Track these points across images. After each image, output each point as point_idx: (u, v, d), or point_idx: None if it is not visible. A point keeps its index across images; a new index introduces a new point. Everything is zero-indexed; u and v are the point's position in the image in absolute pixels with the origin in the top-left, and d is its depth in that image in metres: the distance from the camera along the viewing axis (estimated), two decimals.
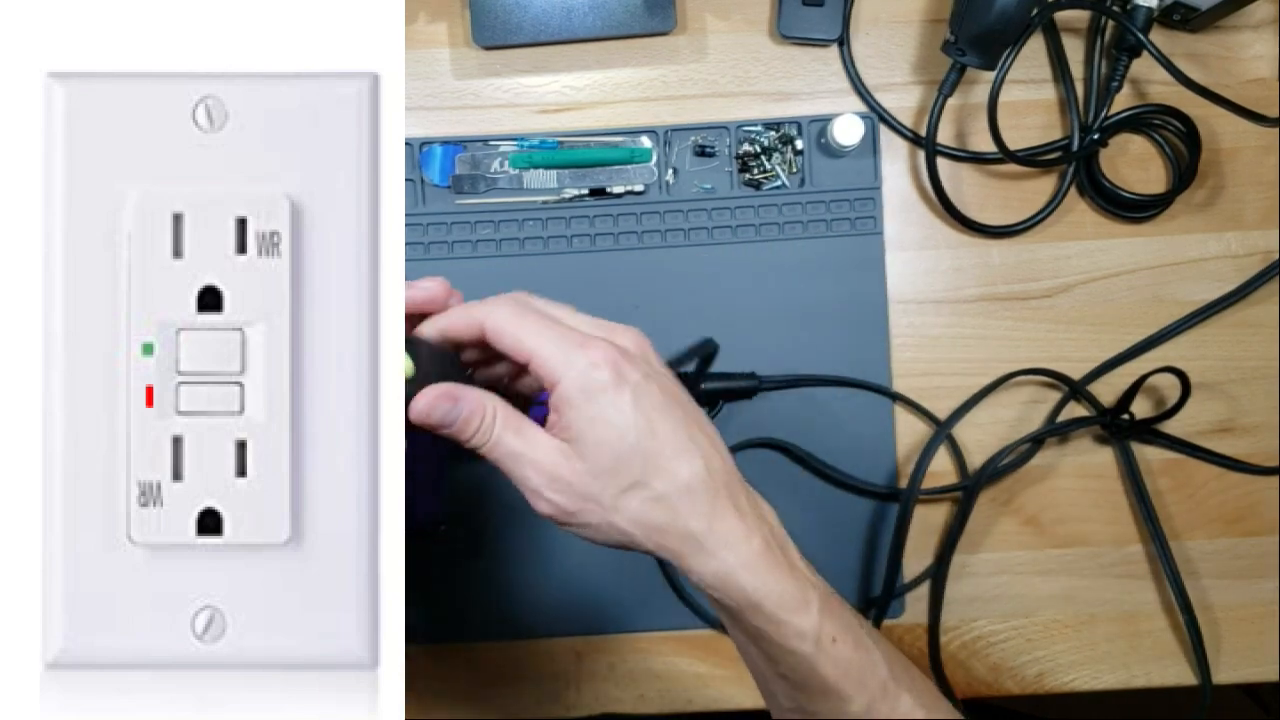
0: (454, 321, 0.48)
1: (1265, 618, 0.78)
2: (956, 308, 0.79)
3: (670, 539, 0.47)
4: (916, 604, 0.78)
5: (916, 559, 0.78)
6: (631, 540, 0.48)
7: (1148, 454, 0.79)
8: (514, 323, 0.47)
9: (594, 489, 0.46)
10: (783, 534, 0.49)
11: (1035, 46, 0.79)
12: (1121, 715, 0.80)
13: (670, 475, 0.46)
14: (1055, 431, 0.77)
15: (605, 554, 0.77)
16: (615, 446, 0.46)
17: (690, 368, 0.71)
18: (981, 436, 0.79)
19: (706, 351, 0.70)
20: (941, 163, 0.78)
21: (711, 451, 0.48)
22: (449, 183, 0.78)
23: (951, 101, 0.76)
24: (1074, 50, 0.79)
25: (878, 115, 0.79)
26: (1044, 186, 0.79)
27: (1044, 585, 0.78)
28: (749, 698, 0.78)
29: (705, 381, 0.75)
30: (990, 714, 1.02)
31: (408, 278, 0.76)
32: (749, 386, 0.76)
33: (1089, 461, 0.79)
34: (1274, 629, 0.78)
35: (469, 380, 0.49)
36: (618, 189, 0.78)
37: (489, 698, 0.78)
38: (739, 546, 0.47)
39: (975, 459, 0.78)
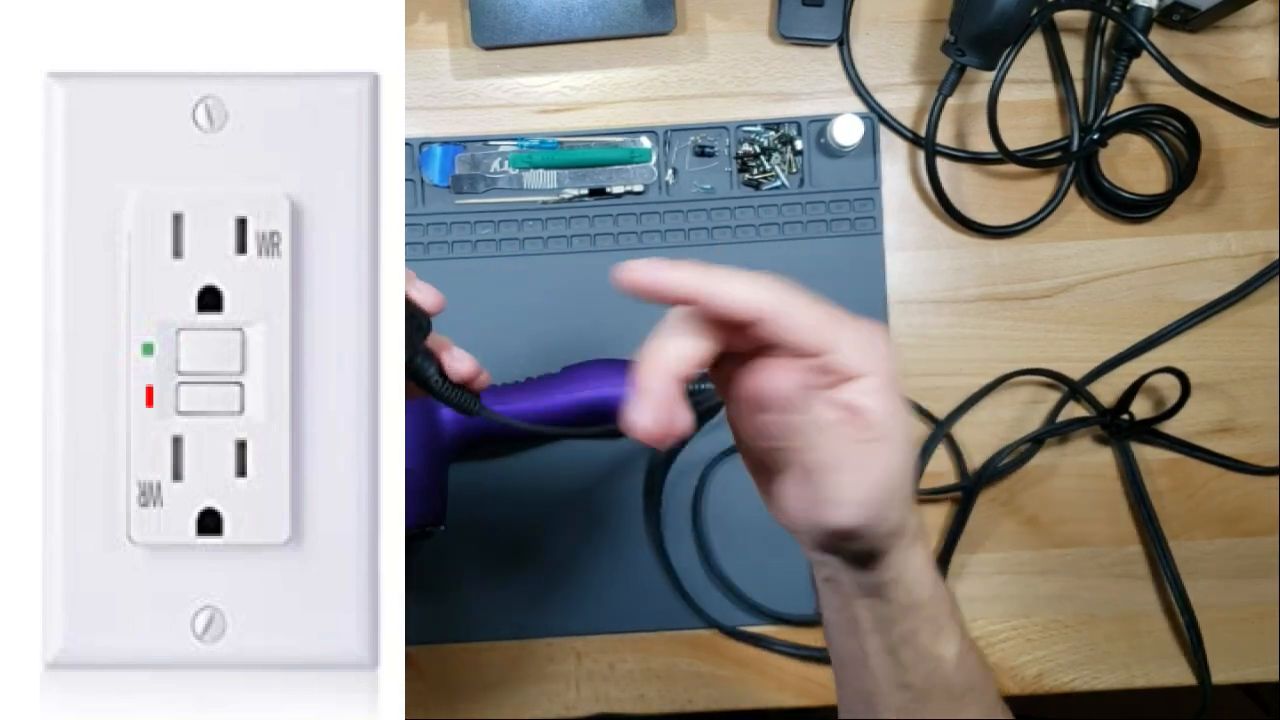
0: (678, 291, 0.44)
1: (1265, 618, 0.78)
2: (956, 308, 0.79)
3: (888, 519, 0.43)
4: None
5: None
6: (899, 532, 0.44)
7: (1147, 454, 0.79)
8: (765, 295, 0.42)
9: (899, 434, 0.41)
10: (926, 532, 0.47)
11: (1035, 47, 0.79)
12: (1121, 715, 0.80)
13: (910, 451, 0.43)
14: (1055, 432, 0.77)
15: (605, 553, 0.77)
16: (884, 420, 0.41)
17: None
18: (981, 436, 0.79)
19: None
20: (941, 163, 0.78)
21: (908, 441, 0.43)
22: (449, 183, 0.78)
23: (951, 102, 0.76)
24: (1074, 50, 0.79)
25: (877, 115, 0.79)
26: (1044, 187, 0.79)
27: (1043, 585, 0.78)
28: (749, 698, 0.78)
29: (704, 382, 0.74)
30: None
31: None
32: None
33: (1089, 462, 0.79)
34: (1273, 629, 0.78)
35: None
36: (617, 189, 0.78)
37: (489, 698, 0.78)
38: (918, 541, 0.44)
39: (975, 459, 0.78)
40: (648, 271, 0.45)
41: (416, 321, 0.49)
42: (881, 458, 0.41)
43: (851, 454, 0.41)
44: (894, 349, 0.41)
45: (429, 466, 0.71)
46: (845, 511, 0.41)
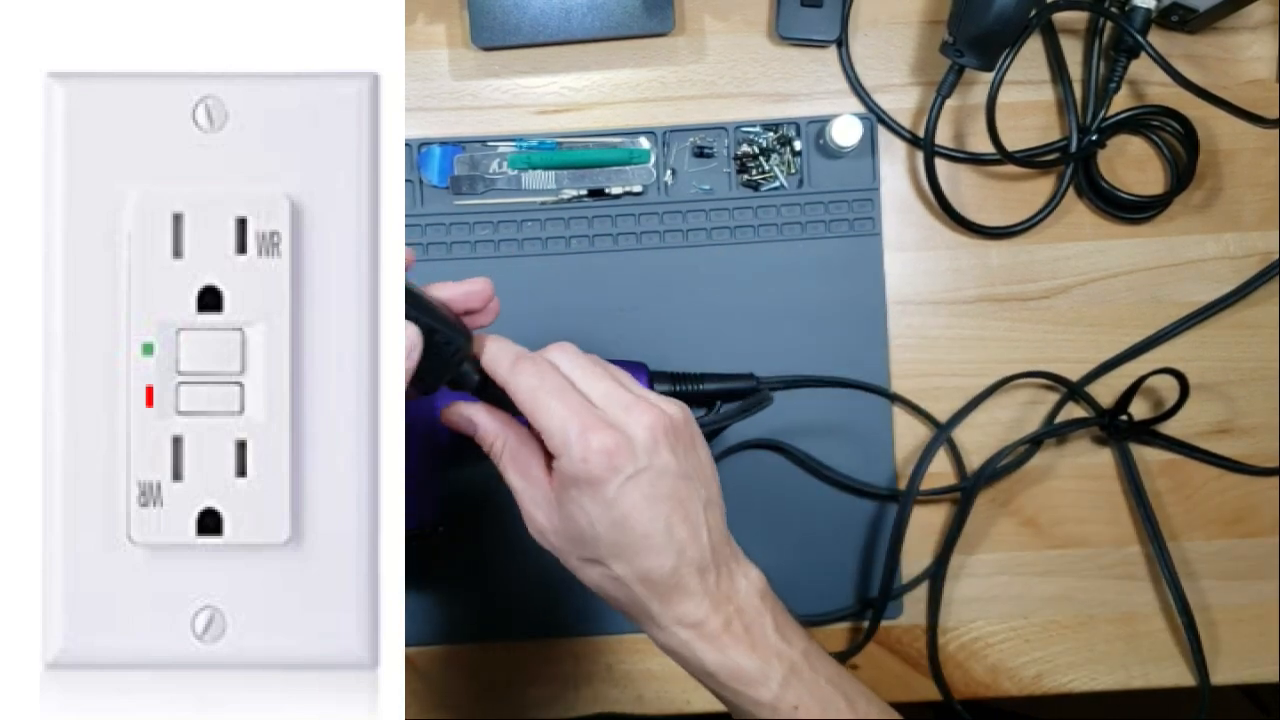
0: (487, 363, 0.52)
1: (1264, 618, 0.79)
2: (955, 309, 0.79)
3: (627, 609, 0.52)
4: (915, 605, 0.78)
5: (915, 560, 0.78)
6: (601, 594, 0.52)
7: (1146, 455, 0.79)
8: (532, 395, 0.49)
9: (563, 547, 0.52)
10: (756, 611, 0.52)
11: (1033, 48, 0.79)
12: (1120, 716, 0.80)
13: (631, 564, 0.50)
14: (1054, 433, 0.78)
15: None
16: (584, 529, 0.50)
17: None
18: (980, 438, 0.79)
19: (757, 405, 0.66)
20: (940, 164, 0.78)
21: (688, 544, 0.50)
22: (447, 184, 0.78)
23: (950, 102, 0.76)
24: (1072, 51, 0.79)
25: (876, 116, 0.79)
26: (1042, 188, 0.79)
27: (1042, 586, 0.78)
28: None
29: (702, 383, 0.75)
30: (990, 715, 1.02)
31: (406, 278, 0.76)
32: (747, 388, 0.75)
33: (1087, 463, 0.79)
34: (1273, 630, 0.78)
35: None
36: (616, 190, 0.78)
37: (488, 699, 0.78)
38: (696, 626, 0.51)
39: (974, 460, 0.79)
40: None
41: (450, 341, 0.50)
42: (554, 514, 0.51)
43: (534, 497, 0.52)
44: (611, 455, 0.48)
45: (427, 467, 0.71)
46: (528, 527, 0.53)
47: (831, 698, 0.52)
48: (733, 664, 0.51)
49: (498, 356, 0.51)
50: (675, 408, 0.51)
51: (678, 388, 0.74)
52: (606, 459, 0.48)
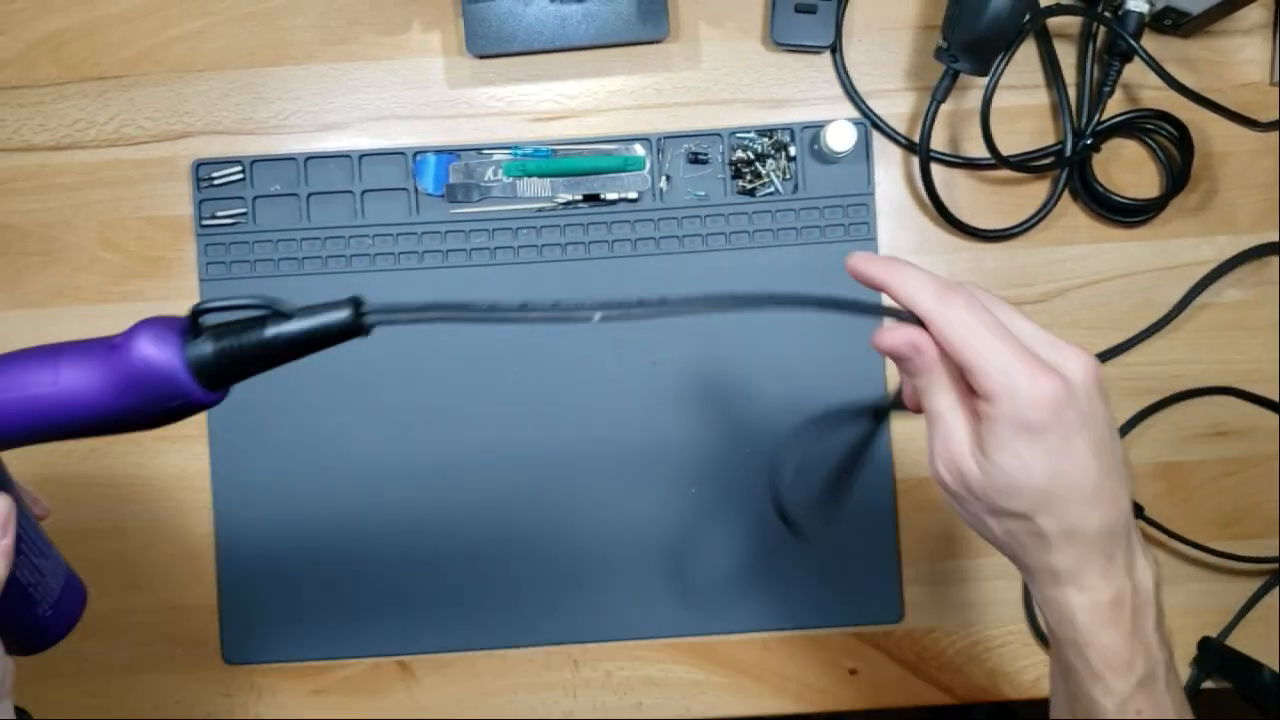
0: (900, 296, 0.48)
1: (1263, 620, 0.79)
2: None
3: (1028, 559, 0.48)
4: (915, 610, 0.78)
5: (915, 562, 0.78)
6: (992, 541, 0.49)
7: (1145, 455, 0.79)
8: (971, 331, 0.46)
9: (981, 493, 0.47)
10: (1147, 598, 0.49)
11: (1027, 52, 0.79)
12: None
13: (1058, 519, 0.46)
14: None
15: (603, 562, 0.77)
16: (1015, 478, 0.46)
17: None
18: None
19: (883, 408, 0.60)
20: (935, 168, 0.78)
21: (1112, 504, 0.47)
22: (443, 192, 0.78)
23: (944, 107, 0.76)
24: (1066, 56, 0.79)
25: (871, 121, 0.79)
26: (1037, 191, 0.80)
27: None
28: (746, 705, 0.78)
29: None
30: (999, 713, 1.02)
31: (401, 288, 0.77)
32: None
33: None
34: (1273, 631, 0.78)
35: None
36: (611, 197, 0.78)
37: (488, 706, 0.78)
38: (1090, 593, 0.47)
39: None
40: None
41: None
42: (978, 458, 0.47)
43: (959, 434, 0.48)
44: (1057, 403, 0.45)
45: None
46: (932, 463, 0.49)
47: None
48: (1106, 642, 0.47)
49: (919, 289, 0.47)
50: (1094, 358, 0.48)
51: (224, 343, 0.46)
52: (1053, 406, 0.45)
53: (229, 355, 0.43)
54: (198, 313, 0.43)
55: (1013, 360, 0.45)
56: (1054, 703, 0.53)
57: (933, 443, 0.48)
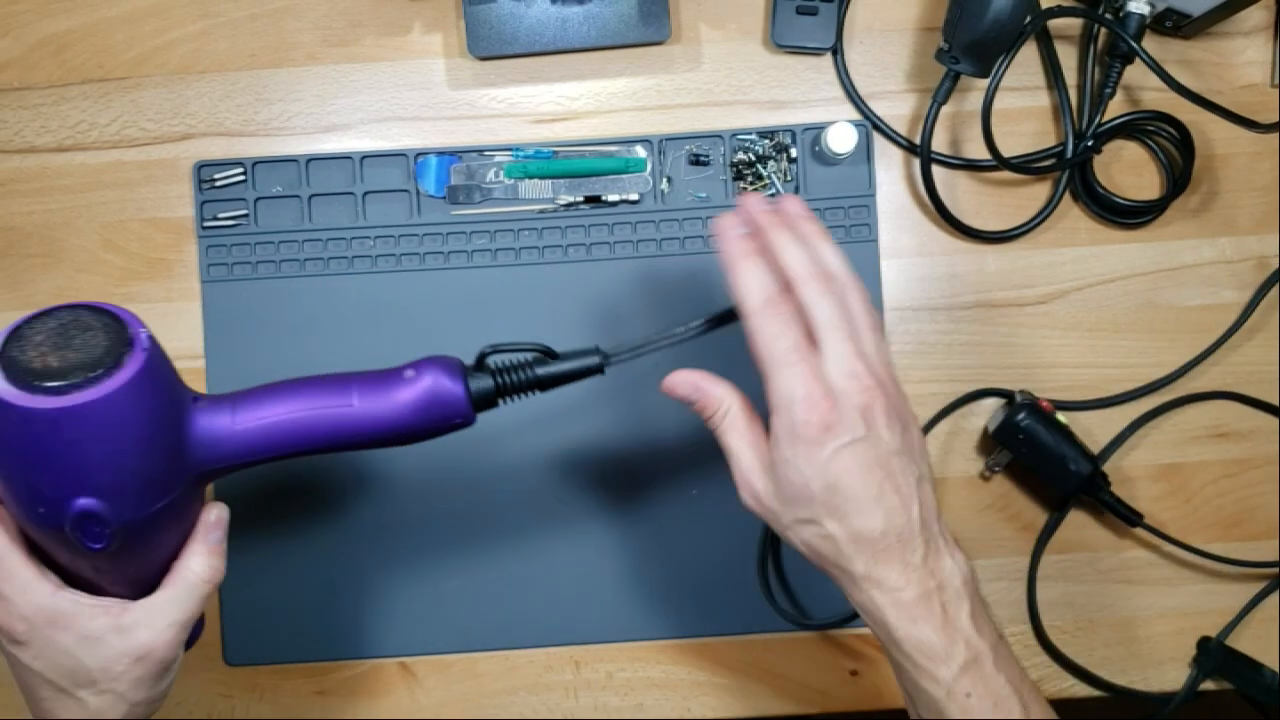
0: (738, 295, 0.54)
1: (1263, 621, 0.79)
2: (952, 314, 0.79)
3: (830, 567, 0.54)
4: None
5: None
6: (804, 553, 0.54)
7: (1146, 458, 0.79)
8: (769, 347, 0.52)
9: (775, 507, 0.54)
10: (956, 592, 0.53)
11: (1028, 54, 0.79)
12: (1121, 719, 0.80)
13: (843, 522, 0.52)
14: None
15: (604, 562, 0.77)
16: (797, 488, 0.52)
17: None
18: (976, 441, 0.79)
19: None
20: (936, 170, 0.78)
21: (898, 512, 0.52)
22: (444, 193, 0.78)
23: (945, 109, 0.76)
24: (1067, 57, 0.79)
25: (872, 123, 0.79)
26: (1038, 193, 0.80)
27: (1043, 591, 0.78)
28: (747, 706, 0.78)
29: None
30: None
31: (403, 289, 0.77)
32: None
33: None
34: (1272, 632, 0.78)
35: None
36: (613, 198, 0.78)
37: (490, 707, 0.78)
38: (892, 592, 0.52)
39: (972, 465, 0.79)
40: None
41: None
42: (768, 475, 0.54)
43: (751, 460, 0.55)
44: (829, 422, 0.51)
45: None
46: (738, 491, 0.55)
47: (1007, 698, 0.52)
48: (919, 636, 0.51)
49: (748, 289, 0.54)
50: (894, 386, 0.54)
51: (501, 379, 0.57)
52: (824, 423, 0.51)
53: (503, 389, 0.55)
54: (486, 354, 0.56)
55: (797, 379, 0.51)
56: (907, 705, 0.56)
57: (734, 475, 0.55)
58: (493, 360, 0.56)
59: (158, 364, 0.49)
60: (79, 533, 0.49)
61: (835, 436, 0.51)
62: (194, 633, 0.61)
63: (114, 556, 0.51)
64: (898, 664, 0.53)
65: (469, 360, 0.57)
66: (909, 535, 0.52)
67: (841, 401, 0.51)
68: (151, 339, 0.49)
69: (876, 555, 0.52)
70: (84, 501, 0.48)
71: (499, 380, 0.55)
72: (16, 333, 0.48)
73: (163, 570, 0.55)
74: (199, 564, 0.55)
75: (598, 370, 0.57)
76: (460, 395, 0.54)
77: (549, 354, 0.57)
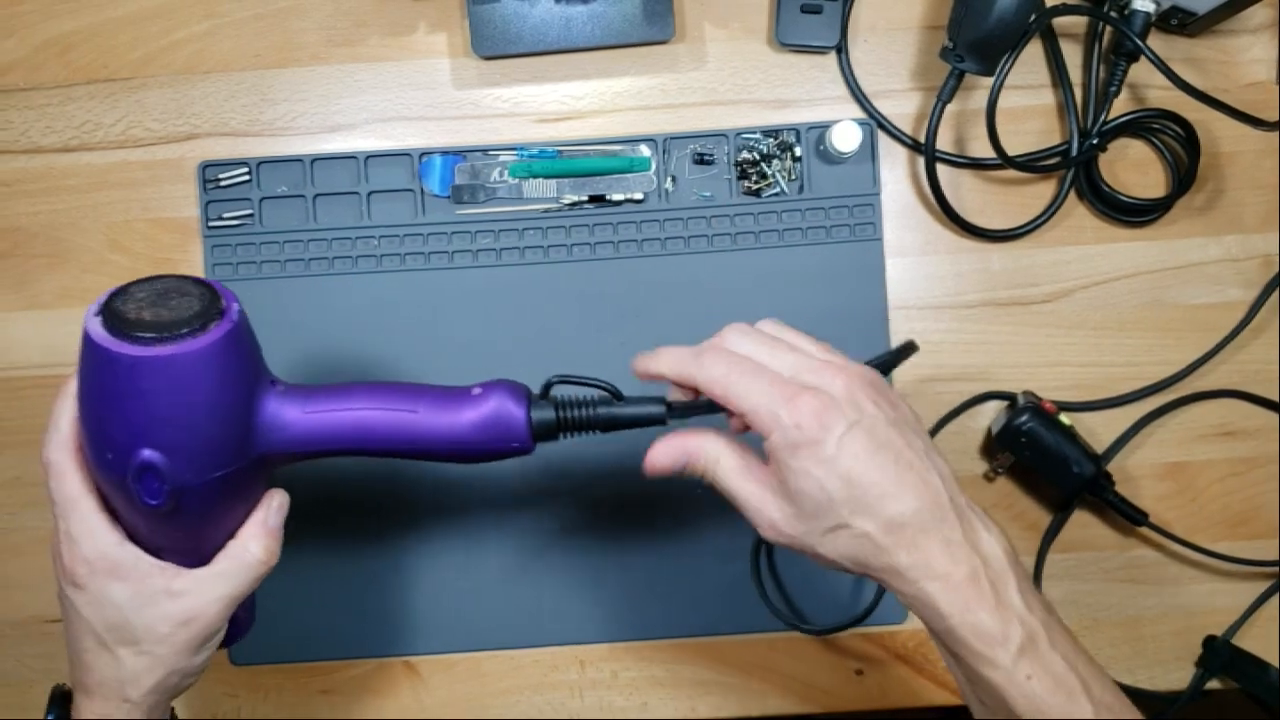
0: (668, 375, 0.54)
1: (1269, 621, 0.78)
2: (957, 313, 0.79)
3: (874, 569, 0.51)
4: None
5: None
6: (839, 567, 0.52)
7: (1150, 457, 0.79)
8: (724, 381, 0.51)
9: (799, 529, 0.51)
10: (1001, 568, 0.50)
11: (1033, 52, 0.79)
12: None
13: (873, 515, 0.50)
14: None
15: (606, 562, 0.77)
16: (816, 497, 0.50)
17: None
18: (979, 441, 0.79)
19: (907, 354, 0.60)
20: (941, 168, 0.78)
21: (922, 488, 0.50)
22: (449, 193, 0.78)
23: (950, 107, 0.76)
24: (1072, 55, 0.79)
25: (876, 122, 0.79)
26: (1043, 191, 0.79)
27: (1047, 590, 0.78)
28: (752, 705, 0.78)
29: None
30: None
31: (407, 289, 0.77)
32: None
33: None
34: (1275, 632, 0.78)
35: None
36: (617, 197, 0.78)
37: (495, 707, 0.78)
38: (942, 577, 0.49)
39: (976, 464, 0.79)
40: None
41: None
42: (782, 500, 0.51)
43: (757, 492, 0.52)
44: (820, 414, 0.49)
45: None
46: (758, 530, 0.53)
47: (1065, 676, 0.49)
48: (974, 620, 0.49)
49: (680, 362, 0.53)
50: (863, 367, 0.53)
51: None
52: (817, 419, 0.49)
53: (564, 423, 0.55)
54: (552, 382, 0.56)
55: (768, 391, 0.50)
56: (969, 704, 0.54)
57: (747, 516, 0.53)
58: (558, 392, 0.56)
59: (241, 337, 0.51)
60: (138, 484, 0.50)
61: (832, 427, 0.49)
62: (241, 626, 0.63)
63: (169, 518, 0.52)
64: (955, 655, 0.50)
65: (535, 385, 0.57)
66: (941, 510, 0.50)
67: (821, 390, 0.50)
68: (242, 314, 0.51)
69: (916, 541, 0.49)
70: (147, 453, 0.49)
71: (561, 414, 0.55)
72: (123, 289, 0.51)
73: (218, 546, 0.56)
74: (255, 544, 0.56)
75: (660, 421, 0.55)
76: (521, 421, 0.54)
77: (615, 395, 0.56)
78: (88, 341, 0.49)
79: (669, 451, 0.54)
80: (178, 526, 0.54)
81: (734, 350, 0.53)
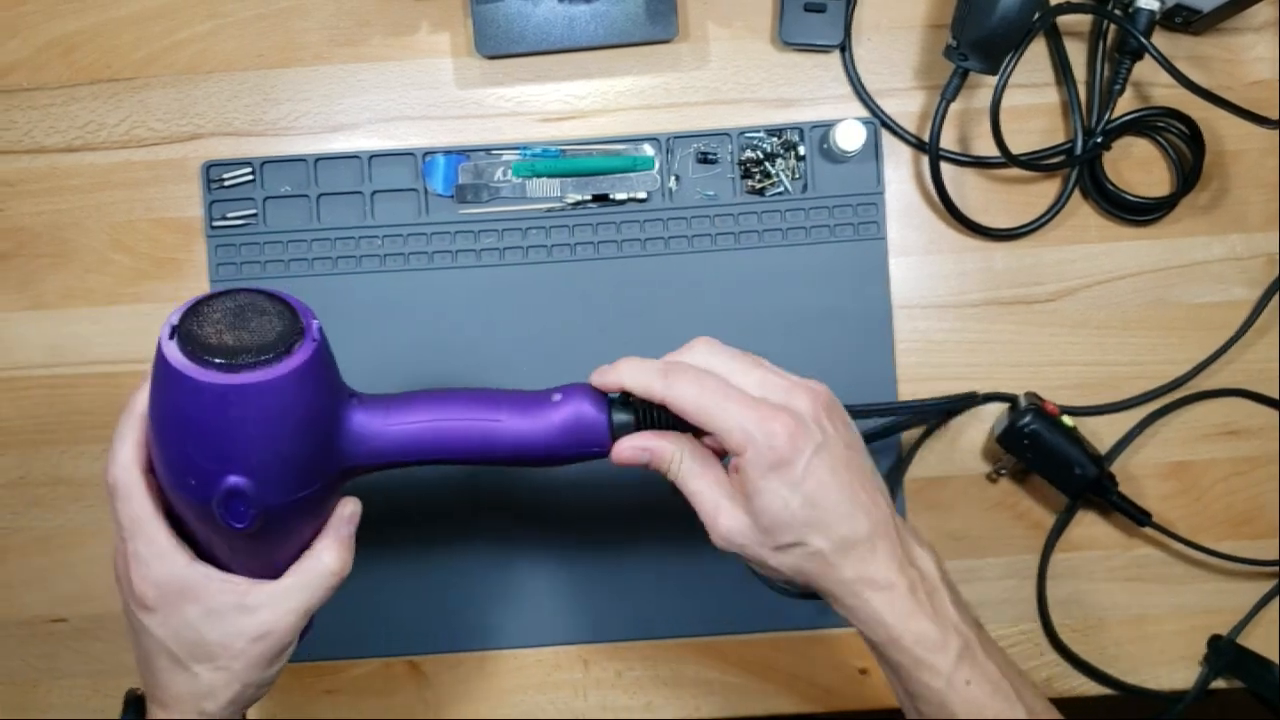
0: (630, 388, 0.54)
1: (1274, 620, 0.78)
2: (961, 312, 0.79)
3: (821, 583, 0.53)
4: None
5: None
6: (787, 580, 0.54)
7: (1154, 456, 0.79)
8: (696, 400, 0.52)
9: (753, 539, 0.53)
10: (935, 582, 0.53)
11: (1037, 50, 0.79)
12: (1132, 717, 0.80)
13: (828, 535, 0.51)
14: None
15: (612, 561, 0.77)
16: (779, 515, 0.51)
17: None
18: (983, 441, 0.79)
19: None
20: (945, 167, 0.78)
21: (872, 508, 0.52)
22: (452, 192, 0.78)
23: (954, 106, 0.76)
24: (1076, 54, 0.79)
25: (880, 120, 0.79)
26: (1047, 190, 0.79)
27: (1052, 589, 0.78)
28: (756, 705, 0.78)
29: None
30: None
31: (411, 289, 0.77)
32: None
33: None
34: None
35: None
36: (620, 197, 0.78)
37: (499, 706, 0.78)
38: (885, 590, 0.52)
39: (979, 464, 0.78)
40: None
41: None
42: (741, 510, 0.53)
43: (718, 497, 0.54)
44: (793, 435, 0.51)
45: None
46: (709, 533, 0.54)
47: (1000, 681, 0.52)
48: (916, 628, 0.52)
49: (645, 378, 0.53)
50: (822, 386, 0.54)
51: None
52: (791, 440, 0.50)
53: (644, 424, 0.55)
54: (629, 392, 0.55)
55: (742, 412, 0.51)
56: (903, 709, 0.56)
57: (703, 519, 0.54)
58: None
59: (325, 356, 0.51)
60: (224, 509, 0.49)
61: (803, 449, 0.51)
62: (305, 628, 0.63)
63: (252, 538, 0.52)
64: (896, 664, 0.53)
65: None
66: (886, 528, 0.52)
67: (792, 410, 0.51)
68: (321, 331, 0.50)
69: (863, 557, 0.52)
70: (235, 479, 0.49)
71: (640, 417, 0.55)
72: (196, 308, 0.49)
73: (292, 558, 0.56)
74: (330, 556, 0.55)
75: None
76: (603, 425, 0.54)
77: None
78: (166, 367, 0.47)
79: (634, 449, 0.55)
80: (258, 544, 0.53)
81: (701, 366, 0.53)
